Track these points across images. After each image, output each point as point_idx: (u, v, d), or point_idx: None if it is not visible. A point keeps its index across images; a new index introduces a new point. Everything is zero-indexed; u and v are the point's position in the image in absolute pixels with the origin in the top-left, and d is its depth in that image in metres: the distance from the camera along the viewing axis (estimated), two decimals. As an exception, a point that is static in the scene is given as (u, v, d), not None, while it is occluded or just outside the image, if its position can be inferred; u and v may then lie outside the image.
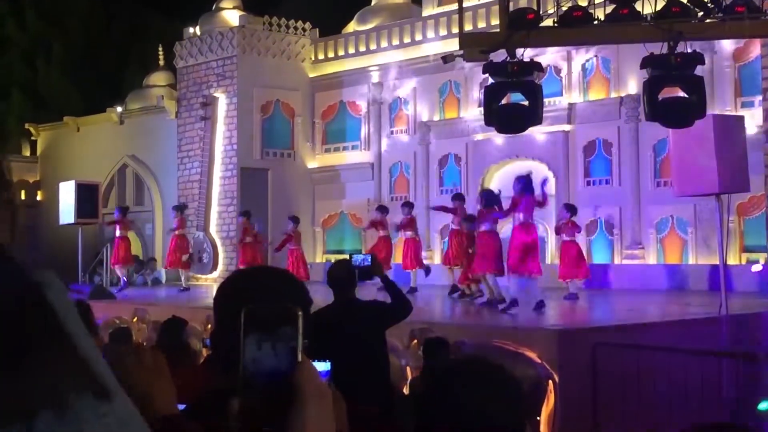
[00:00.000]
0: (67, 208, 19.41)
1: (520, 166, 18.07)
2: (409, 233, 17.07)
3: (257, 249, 19.28)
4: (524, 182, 12.49)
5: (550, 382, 8.85)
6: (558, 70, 19.51)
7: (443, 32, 21.10)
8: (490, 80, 8.59)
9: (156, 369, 1.47)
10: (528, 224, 12.47)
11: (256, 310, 1.26)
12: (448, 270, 15.86)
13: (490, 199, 13.52)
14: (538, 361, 9.02)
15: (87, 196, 19.41)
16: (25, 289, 0.82)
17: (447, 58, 8.77)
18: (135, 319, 13.79)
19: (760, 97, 15.56)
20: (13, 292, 0.81)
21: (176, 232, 19.77)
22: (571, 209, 14.94)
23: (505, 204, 13.07)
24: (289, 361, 1.24)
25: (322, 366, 2.01)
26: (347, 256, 7.57)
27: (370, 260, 6.86)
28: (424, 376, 6.14)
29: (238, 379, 1.23)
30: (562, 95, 19.44)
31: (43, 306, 0.82)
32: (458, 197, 16.24)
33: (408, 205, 17.45)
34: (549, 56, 18.85)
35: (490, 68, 8.42)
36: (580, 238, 15.49)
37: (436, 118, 21.67)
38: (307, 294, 1.95)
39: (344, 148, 23.56)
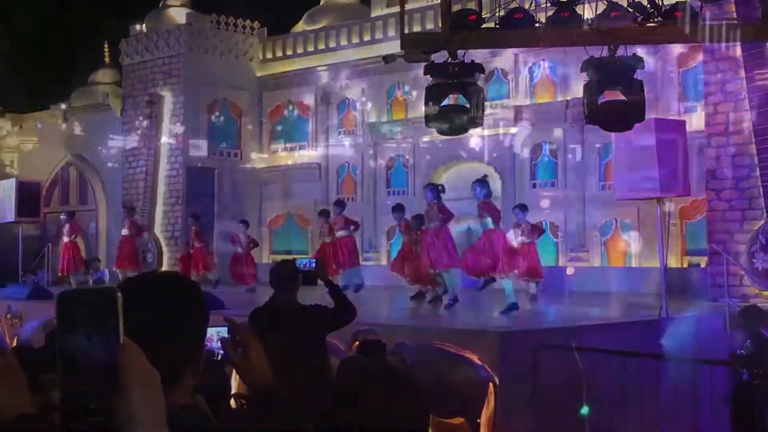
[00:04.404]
0: (7, 207, 19.07)
1: (466, 168, 18.10)
2: (342, 233, 16.31)
3: (206, 255, 18.65)
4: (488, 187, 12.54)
5: (491, 384, 8.83)
6: (505, 73, 19.57)
7: (392, 33, 21.03)
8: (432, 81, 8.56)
9: (2, 369, 1.42)
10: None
11: (73, 294, 1.23)
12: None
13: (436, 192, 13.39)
14: (479, 363, 9.00)
15: (28, 195, 19.09)
16: None
17: (387, 58, 8.69)
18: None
19: (702, 102, 15.70)
20: None
21: (127, 234, 19.08)
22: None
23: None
24: (114, 345, 1.21)
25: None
26: (293, 258, 7.49)
27: (314, 264, 6.79)
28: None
29: (58, 370, 1.20)
30: (509, 98, 19.49)
31: None
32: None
33: (339, 205, 16.67)
34: (497, 59, 18.91)
35: (431, 69, 8.38)
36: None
37: (384, 119, 21.62)
38: (202, 300, 1.85)
39: (292, 149, 23.42)
